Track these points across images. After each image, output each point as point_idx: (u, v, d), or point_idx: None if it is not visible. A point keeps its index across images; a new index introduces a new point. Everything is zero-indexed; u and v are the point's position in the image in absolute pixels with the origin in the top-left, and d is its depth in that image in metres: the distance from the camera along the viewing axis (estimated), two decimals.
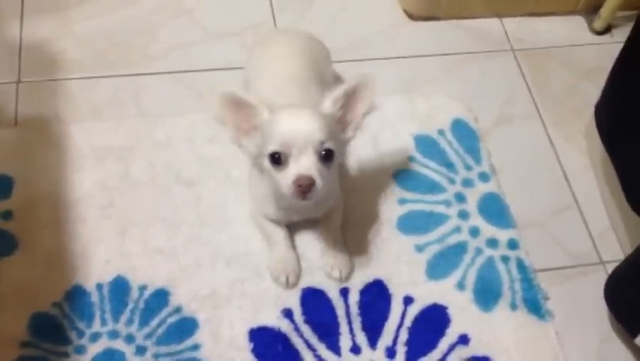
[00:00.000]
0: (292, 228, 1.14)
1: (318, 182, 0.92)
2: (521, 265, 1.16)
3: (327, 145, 0.94)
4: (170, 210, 1.16)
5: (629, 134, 1.12)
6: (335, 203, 1.13)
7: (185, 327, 1.04)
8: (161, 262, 1.10)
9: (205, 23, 1.43)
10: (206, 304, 1.07)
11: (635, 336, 1.02)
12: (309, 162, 0.93)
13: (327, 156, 0.94)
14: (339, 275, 1.10)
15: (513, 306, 1.11)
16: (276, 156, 0.94)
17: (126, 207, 1.15)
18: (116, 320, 1.04)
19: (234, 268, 1.11)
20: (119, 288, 1.07)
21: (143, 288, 1.07)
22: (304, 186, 0.92)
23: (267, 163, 0.96)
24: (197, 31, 1.42)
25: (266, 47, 1.20)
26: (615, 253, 1.20)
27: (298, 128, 0.94)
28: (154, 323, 1.04)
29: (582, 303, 1.14)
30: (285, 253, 1.10)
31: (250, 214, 1.14)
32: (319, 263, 1.12)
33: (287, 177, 0.93)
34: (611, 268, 1.14)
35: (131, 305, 1.06)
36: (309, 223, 1.14)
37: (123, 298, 1.06)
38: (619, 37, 1.50)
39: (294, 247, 1.12)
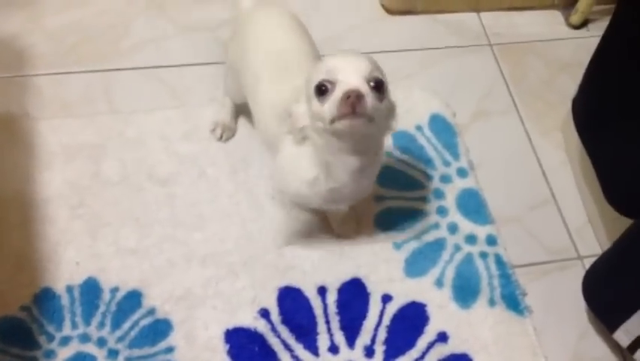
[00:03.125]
0: None
1: (369, 98, 0.82)
2: (500, 261, 1.15)
3: (377, 75, 0.85)
4: (143, 209, 1.13)
5: (606, 129, 1.11)
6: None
7: (159, 329, 1.02)
8: (133, 263, 1.07)
9: (178, 17, 1.40)
10: (180, 305, 1.04)
11: (613, 331, 1.02)
12: (358, 81, 0.83)
13: (377, 87, 0.85)
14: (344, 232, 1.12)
15: (492, 302, 1.11)
16: (322, 87, 0.85)
17: (97, 206, 1.12)
18: (87, 323, 1.02)
19: (209, 268, 1.08)
20: (90, 290, 1.04)
21: (114, 290, 1.05)
22: (353, 98, 0.81)
23: (314, 103, 0.86)
24: (170, 26, 1.39)
25: (252, 25, 1.09)
26: (593, 248, 1.19)
27: (345, 59, 0.86)
28: (126, 325, 1.02)
29: (560, 298, 1.14)
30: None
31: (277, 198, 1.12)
32: (300, 261, 1.11)
33: (333, 99, 0.83)
34: (588, 263, 1.14)
35: (102, 308, 1.03)
36: None
37: (94, 301, 1.03)
38: (595, 32, 1.50)
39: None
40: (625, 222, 1.05)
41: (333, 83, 0.84)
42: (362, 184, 0.97)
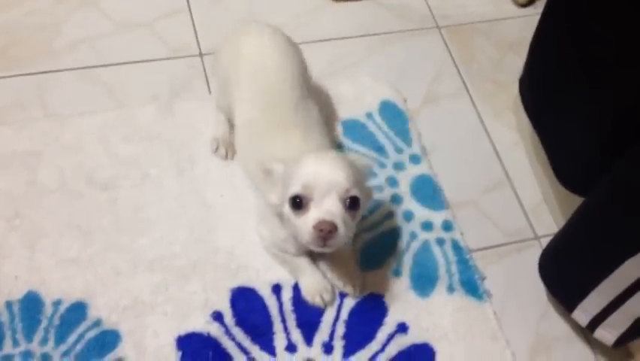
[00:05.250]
0: None
1: (341, 229, 0.86)
2: (457, 247, 1.13)
3: (353, 192, 0.88)
4: (84, 216, 1.08)
5: (551, 107, 1.10)
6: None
7: (106, 341, 0.97)
8: (75, 273, 1.02)
9: (113, 14, 1.35)
10: (127, 314, 1.00)
11: (571, 311, 1.01)
12: (332, 207, 0.87)
13: (352, 204, 0.88)
14: (352, 291, 1.05)
15: (450, 289, 1.09)
16: (297, 200, 0.87)
17: (35, 217, 1.07)
18: (29, 339, 0.96)
19: (157, 273, 1.04)
20: (31, 305, 0.99)
21: (57, 303, 0.99)
22: (325, 232, 0.85)
23: (286, 208, 0.89)
24: (105, 23, 1.33)
25: (244, 45, 1.08)
26: (549, 227, 1.19)
27: (322, 171, 0.88)
28: (71, 339, 0.97)
29: (519, 280, 1.12)
30: (312, 275, 1.04)
31: (264, 247, 1.07)
32: (252, 259, 1.07)
33: (307, 222, 0.87)
34: (545, 242, 1.13)
35: (45, 322, 0.98)
36: None
37: (36, 316, 0.98)
38: (542, 9, 1.49)
39: (315, 265, 1.05)
40: (578, 200, 1.04)
41: (307, 200, 0.87)
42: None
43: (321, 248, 0.88)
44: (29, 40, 1.28)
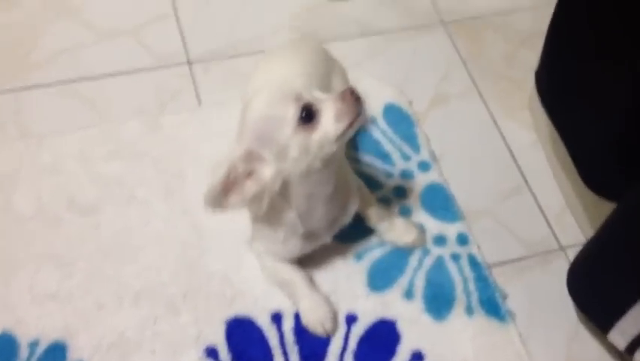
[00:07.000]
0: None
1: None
2: (474, 262, 1.03)
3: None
4: (63, 245, 0.99)
5: (572, 101, 1.00)
6: (356, 202, 0.98)
7: None
8: (54, 310, 0.93)
9: (95, 23, 1.26)
10: (112, 353, 0.90)
11: (607, 332, 0.90)
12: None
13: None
14: (412, 239, 1.02)
15: (469, 310, 0.99)
16: (311, 109, 0.80)
17: (9, 247, 0.98)
18: None
19: (144, 305, 0.95)
20: (5, 347, 0.90)
21: (34, 344, 0.90)
22: (356, 93, 0.81)
23: (301, 136, 0.80)
24: (87, 33, 1.24)
25: (266, 61, 1.05)
26: (575, 237, 1.08)
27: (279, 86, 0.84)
28: None
29: (545, 297, 1.02)
30: (312, 300, 0.95)
31: (261, 267, 0.97)
32: (249, 285, 0.97)
33: (331, 112, 0.81)
34: (572, 253, 1.03)
35: None
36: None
37: (11, 359, 0.89)
38: None
39: (316, 288, 0.97)
40: (607, 204, 0.94)
41: (316, 104, 0.81)
42: (335, 211, 0.94)
43: (358, 119, 0.81)
44: (4, 55, 1.20)
